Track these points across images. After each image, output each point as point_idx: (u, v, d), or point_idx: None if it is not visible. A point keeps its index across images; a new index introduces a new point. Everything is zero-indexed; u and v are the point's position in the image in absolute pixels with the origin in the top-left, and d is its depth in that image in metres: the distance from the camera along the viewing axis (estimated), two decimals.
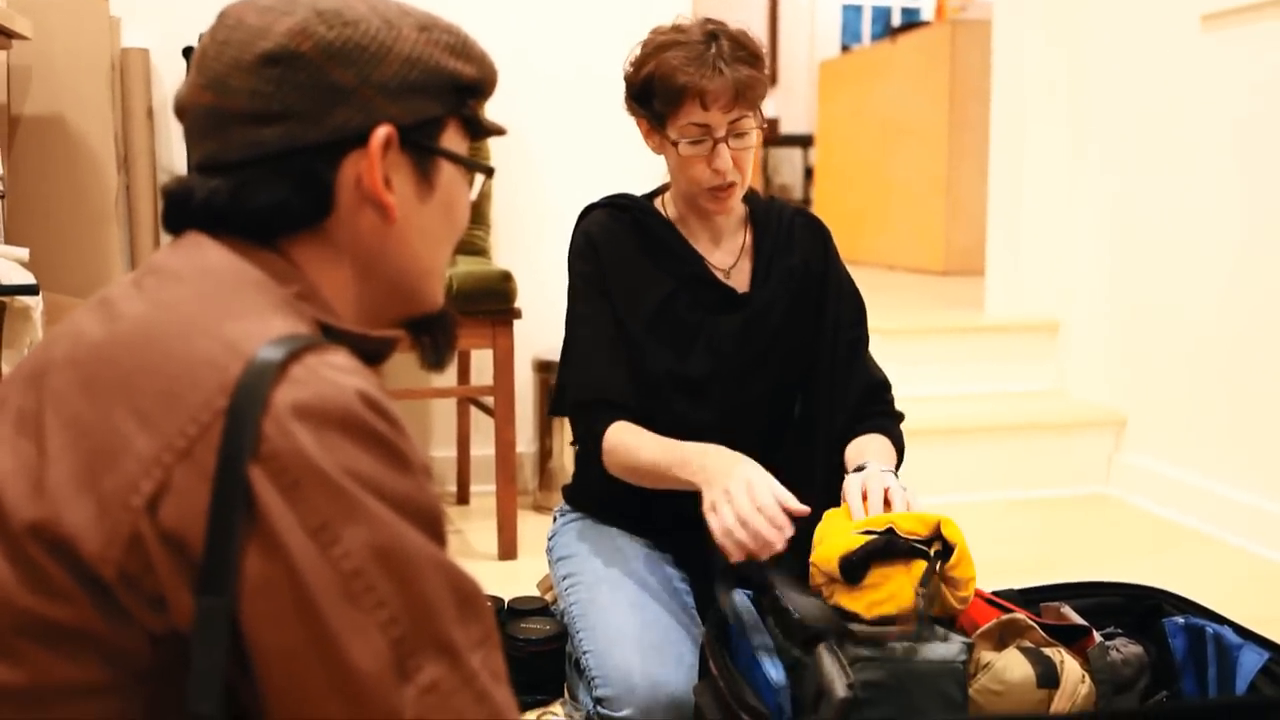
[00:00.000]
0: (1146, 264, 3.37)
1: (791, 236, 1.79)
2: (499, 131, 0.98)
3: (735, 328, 1.72)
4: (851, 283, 1.82)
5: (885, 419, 1.77)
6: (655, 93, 1.61)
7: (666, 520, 1.72)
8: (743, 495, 1.43)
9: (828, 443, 1.74)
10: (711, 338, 1.71)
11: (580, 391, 1.71)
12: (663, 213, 1.77)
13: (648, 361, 1.70)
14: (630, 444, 1.63)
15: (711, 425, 1.67)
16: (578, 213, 1.80)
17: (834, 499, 1.56)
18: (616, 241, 1.73)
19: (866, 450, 1.67)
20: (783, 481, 1.48)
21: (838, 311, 1.78)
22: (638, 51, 1.66)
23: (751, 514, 1.41)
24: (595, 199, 1.80)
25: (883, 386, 1.80)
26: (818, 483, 1.70)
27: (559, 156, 3.37)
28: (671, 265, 1.73)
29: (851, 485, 1.52)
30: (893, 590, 1.36)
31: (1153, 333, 3.34)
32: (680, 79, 1.58)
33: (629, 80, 1.67)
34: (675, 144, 1.63)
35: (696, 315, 1.72)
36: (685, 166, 1.65)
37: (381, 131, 0.85)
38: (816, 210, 6.97)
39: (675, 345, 1.71)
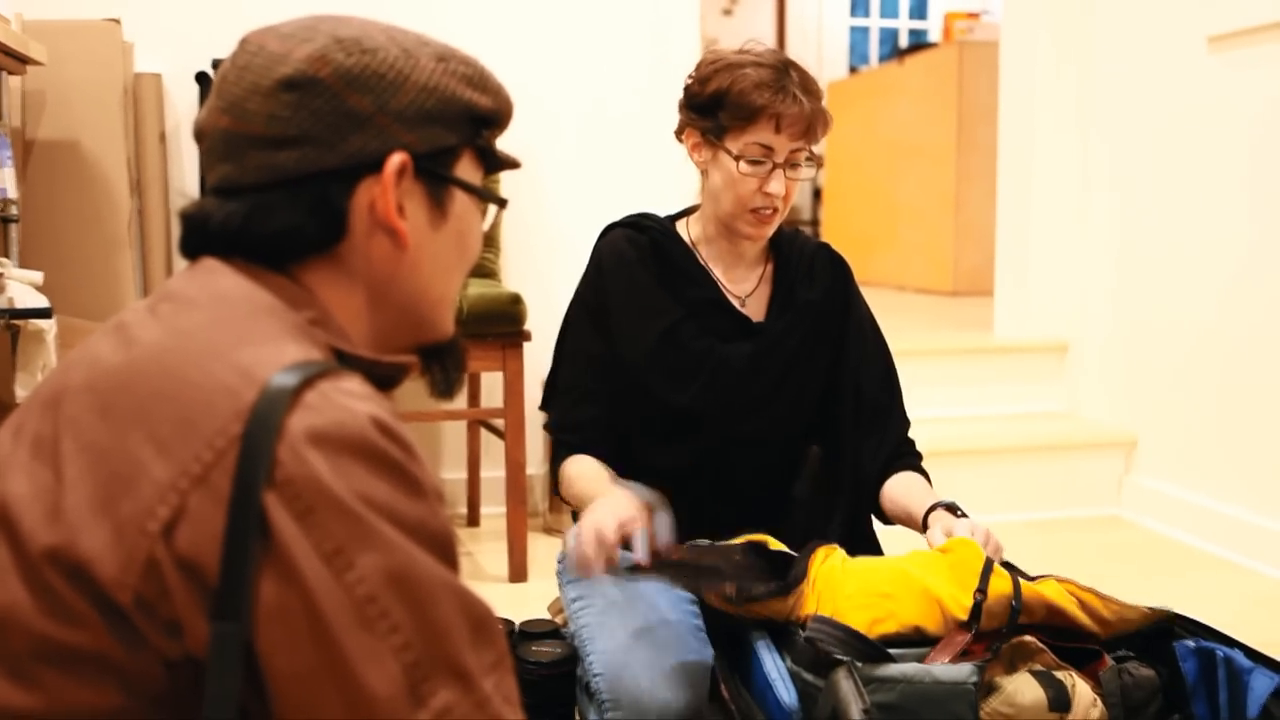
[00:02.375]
0: (1155, 284, 3.37)
1: (813, 270, 1.78)
2: (514, 164, 0.98)
3: (744, 356, 1.71)
4: (874, 321, 1.82)
5: (915, 458, 1.77)
6: (726, 106, 1.61)
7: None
8: (586, 519, 1.45)
9: (852, 484, 1.75)
10: (718, 367, 1.70)
11: (554, 428, 1.79)
12: (684, 235, 1.77)
13: (646, 391, 1.70)
14: (570, 477, 1.70)
15: (708, 458, 1.66)
16: (587, 235, 1.80)
17: (853, 540, 1.58)
18: (626, 265, 1.73)
19: (914, 490, 1.68)
20: (795, 522, 1.50)
21: (861, 351, 1.78)
22: (701, 67, 1.66)
23: (585, 531, 1.42)
24: (605, 221, 1.80)
25: (908, 426, 1.81)
26: (836, 522, 1.70)
27: (568, 179, 3.38)
28: (684, 290, 1.72)
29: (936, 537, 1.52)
30: (893, 608, 1.36)
31: (1163, 353, 3.34)
32: (758, 99, 1.58)
33: (691, 91, 1.66)
34: (737, 159, 1.61)
35: (704, 342, 1.70)
36: (736, 184, 1.63)
37: (396, 159, 0.85)
38: (825, 231, 7.01)
39: (677, 375, 1.70)
